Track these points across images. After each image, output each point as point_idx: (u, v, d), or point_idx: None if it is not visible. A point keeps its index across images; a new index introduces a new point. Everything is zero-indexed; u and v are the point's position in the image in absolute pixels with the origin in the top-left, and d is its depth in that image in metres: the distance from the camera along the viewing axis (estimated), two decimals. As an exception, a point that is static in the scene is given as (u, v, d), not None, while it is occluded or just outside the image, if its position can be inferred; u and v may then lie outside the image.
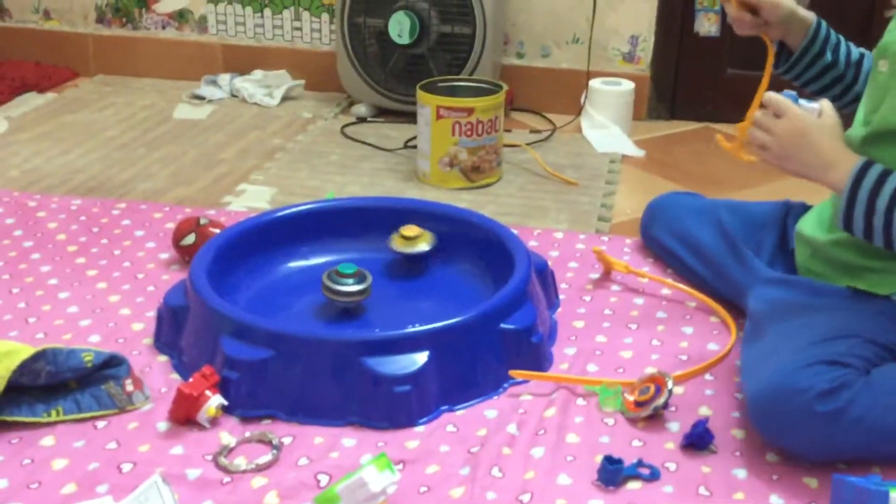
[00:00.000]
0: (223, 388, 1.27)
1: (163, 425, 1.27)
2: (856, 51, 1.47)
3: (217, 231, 1.65)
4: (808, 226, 1.44)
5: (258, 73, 2.69)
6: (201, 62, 2.76)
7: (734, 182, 2.12)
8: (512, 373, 1.36)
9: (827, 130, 1.24)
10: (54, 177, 2.10)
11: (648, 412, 1.28)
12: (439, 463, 1.20)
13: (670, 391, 1.28)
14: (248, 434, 1.25)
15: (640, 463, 1.19)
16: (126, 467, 1.19)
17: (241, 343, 1.29)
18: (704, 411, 1.32)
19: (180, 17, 2.78)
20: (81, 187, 2.05)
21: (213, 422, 1.26)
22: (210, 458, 1.20)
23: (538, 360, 1.39)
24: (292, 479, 1.17)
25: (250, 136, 2.38)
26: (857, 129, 1.33)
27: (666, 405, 1.29)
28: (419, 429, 1.27)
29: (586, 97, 2.47)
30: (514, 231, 1.61)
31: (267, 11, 2.71)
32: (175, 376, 1.37)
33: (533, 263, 1.49)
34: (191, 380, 1.26)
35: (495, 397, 1.34)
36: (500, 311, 1.36)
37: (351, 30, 2.45)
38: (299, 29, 2.71)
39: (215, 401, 1.25)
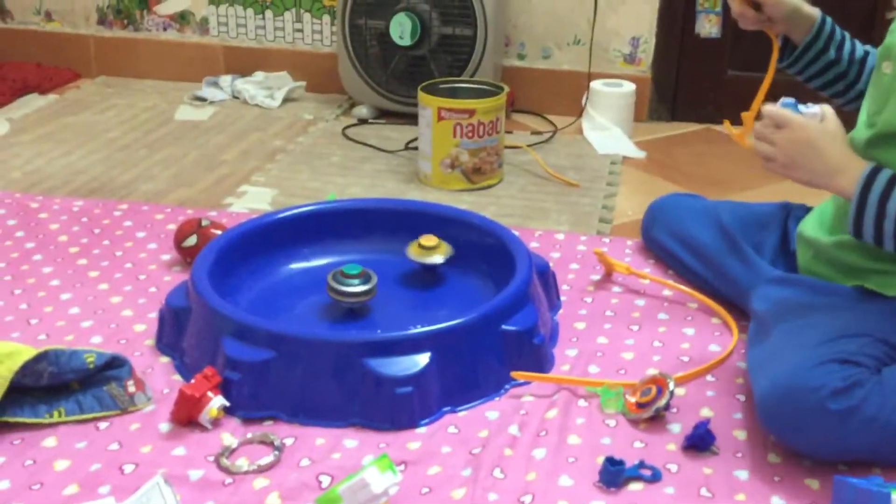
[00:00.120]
0: (225, 389, 1.28)
1: (165, 426, 1.27)
2: (860, 48, 1.47)
3: (218, 232, 1.65)
4: (809, 227, 1.44)
5: (259, 75, 2.69)
6: (203, 64, 2.77)
7: (735, 183, 2.13)
8: (513, 374, 1.36)
9: (831, 136, 1.23)
10: (56, 178, 2.10)
11: (650, 413, 1.28)
12: (441, 464, 1.20)
13: (672, 392, 1.28)
14: (249, 435, 1.25)
15: (641, 464, 1.19)
16: (128, 468, 1.19)
17: (243, 344, 1.30)
18: (706, 412, 1.32)
19: (182, 18, 2.78)
20: (83, 189, 2.05)
21: (215, 423, 1.26)
22: (212, 459, 1.20)
23: (540, 361, 1.39)
24: (294, 480, 1.17)
25: (251, 138, 2.38)
26: (861, 131, 1.32)
27: (667, 406, 1.29)
28: (421, 430, 1.27)
29: (587, 99, 2.47)
30: (516, 232, 1.61)
31: (268, 13, 2.71)
32: (177, 377, 1.37)
33: (534, 265, 1.49)
34: (192, 381, 1.26)
35: (497, 398, 1.34)
36: (502, 313, 1.36)
37: (352, 31, 2.45)
38: (300, 30, 2.71)
39: (217, 402, 1.25)
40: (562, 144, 2.38)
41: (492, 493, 1.15)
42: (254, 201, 2.01)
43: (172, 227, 1.81)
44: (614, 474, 1.16)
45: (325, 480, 1.17)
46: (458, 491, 1.15)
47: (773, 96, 1.44)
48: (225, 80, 2.69)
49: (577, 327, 1.53)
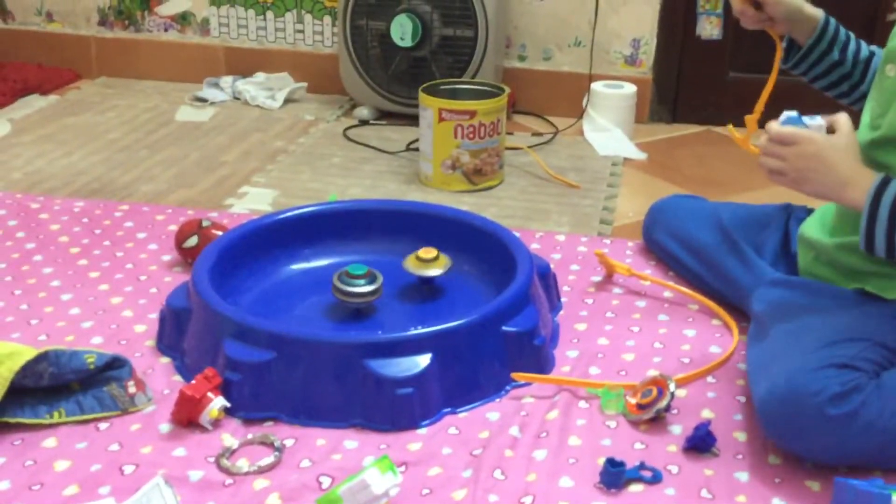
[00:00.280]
0: (225, 390, 1.27)
1: (165, 427, 1.27)
2: (865, 48, 1.46)
3: (219, 233, 1.65)
4: (811, 229, 1.44)
5: (260, 76, 2.70)
6: (203, 64, 2.77)
7: (736, 185, 2.13)
8: (514, 375, 1.36)
9: (839, 148, 1.22)
10: (57, 179, 2.10)
11: (651, 415, 1.28)
12: (441, 465, 1.20)
13: (672, 394, 1.28)
14: (250, 436, 1.25)
15: (642, 465, 1.19)
16: (128, 469, 1.19)
17: (244, 345, 1.30)
18: (707, 414, 1.32)
19: (183, 19, 2.78)
20: (84, 189, 2.05)
21: (216, 424, 1.26)
22: (212, 459, 1.20)
23: (540, 362, 1.39)
24: (294, 481, 1.17)
25: (252, 139, 2.39)
26: (864, 133, 1.32)
27: (668, 408, 1.29)
28: (421, 431, 1.27)
29: (588, 100, 2.47)
30: (516, 234, 1.61)
31: (269, 14, 2.71)
32: (177, 378, 1.37)
33: (535, 266, 1.49)
34: (193, 382, 1.26)
35: (497, 400, 1.34)
36: (503, 314, 1.36)
37: (353, 32, 2.45)
38: (301, 31, 2.71)
39: (217, 403, 1.25)
40: (562, 146, 2.38)
41: (492, 495, 1.15)
42: (255, 202, 2.01)
43: (173, 227, 1.81)
44: (615, 475, 1.16)
45: (326, 481, 1.17)
46: (458, 492, 1.15)
47: (776, 98, 1.44)
48: (226, 80, 2.69)
49: (577, 328, 1.53)
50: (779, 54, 1.45)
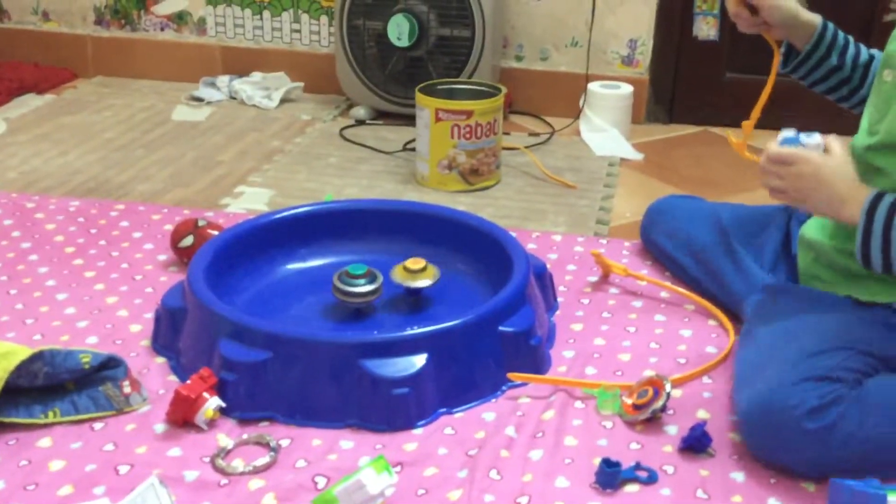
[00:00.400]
0: (221, 390, 1.27)
1: (160, 427, 1.26)
2: (865, 52, 1.46)
3: (215, 233, 1.65)
4: (811, 230, 1.43)
5: (257, 75, 2.69)
6: (200, 64, 2.76)
7: (732, 185, 2.13)
8: (510, 375, 1.36)
9: (835, 167, 1.23)
10: (52, 178, 2.10)
11: (646, 415, 1.28)
12: (437, 465, 1.20)
13: (668, 394, 1.28)
14: (245, 436, 1.24)
15: (638, 466, 1.19)
16: (123, 469, 1.19)
17: (239, 345, 1.29)
18: (702, 414, 1.32)
19: (179, 18, 2.78)
20: (80, 189, 2.05)
21: (211, 424, 1.26)
22: (207, 459, 1.20)
23: (536, 362, 1.39)
24: (290, 482, 1.16)
25: (249, 138, 2.38)
26: (862, 138, 1.32)
27: (664, 408, 1.28)
28: (417, 431, 1.27)
29: (585, 100, 2.47)
30: (513, 234, 1.61)
31: (266, 13, 2.71)
32: (173, 378, 1.37)
33: (531, 266, 1.49)
34: (188, 381, 1.26)
35: (493, 400, 1.34)
36: (499, 314, 1.36)
37: (350, 32, 2.45)
38: (298, 31, 2.71)
39: (213, 403, 1.25)
40: (559, 146, 2.38)
41: (488, 495, 1.15)
42: (251, 202, 2.00)
43: (169, 227, 1.81)
44: (611, 476, 1.16)
45: (322, 481, 1.17)
46: (454, 492, 1.15)
47: (774, 99, 1.44)
48: (222, 80, 2.69)
49: (574, 329, 1.53)
50: (776, 59, 1.44)
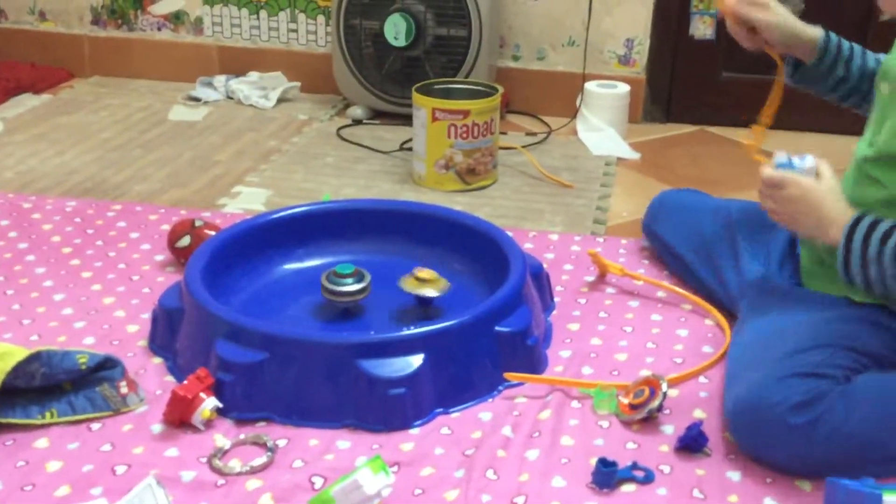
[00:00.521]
0: (218, 390, 1.27)
1: (157, 427, 1.26)
2: (872, 59, 1.45)
3: (212, 233, 1.65)
4: None
5: (254, 75, 2.69)
6: (197, 64, 2.76)
7: (729, 184, 2.13)
8: (507, 375, 1.36)
9: (824, 191, 1.26)
10: (49, 178, 2.10)
11: (643, 415, 1.28)
12: (434, 465, 1.20)
13: (665, 394, 1.28)
14: (242, 436, 1.25)
15: (634, 465, 1.19)
16: (120, 469, 1.19)
17: (236, 345, 1.29)
18: (699, 414, 1.32)
19: (176, 18, 2.78)
20: (76, 189, 2.05)
21: (208, 424, 1.26)
22: (204, 460, 1.20)
23: (533, 362, 1.39)
24: (287, 482, 1.17)
25: (246, 138, 2.38)
26: (863, 148, 1.33)
27: (660, 408, 1.29)
28: (414, 431, 1.27)
29: (582, 100, 2.47)
30: (510, 233, 1.61)
31: (263, 13, 2.71)
32: (170, 378, 1.37)
33: (528, 266, 1.49)
34: (185, 382, 1.26)
35: (490, 400, 1.34)
36: (495, 314, 1.36)
37: (347, 32, 2.45)
38: (295, 31, 2.71)
39: (210, 403, 1.25)
40: (556, 145, 2.38)
41: (485, 495, 1.15)
42: (248, 202, 2.00)
43: (166, 227, 1.81)
44: (607, 475, 1.16)
45: (318, 482, 1.17)
46: (451, 492, 1.15)
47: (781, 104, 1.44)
48: (219, 80, 2.69)
49: (570, 328, 1.53)
50: (779, 72, 1.44)
